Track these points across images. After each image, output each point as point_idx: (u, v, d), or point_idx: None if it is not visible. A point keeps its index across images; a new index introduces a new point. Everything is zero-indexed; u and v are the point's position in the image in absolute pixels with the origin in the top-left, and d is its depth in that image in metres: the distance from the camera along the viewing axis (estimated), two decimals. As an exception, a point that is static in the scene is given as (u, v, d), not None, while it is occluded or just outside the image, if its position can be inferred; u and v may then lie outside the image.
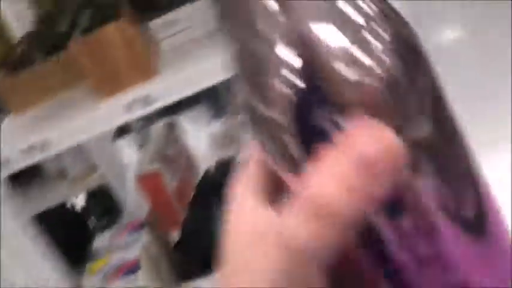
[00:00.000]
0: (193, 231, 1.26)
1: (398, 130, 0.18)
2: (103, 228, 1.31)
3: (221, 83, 1.43)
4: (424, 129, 0.19)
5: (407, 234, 0.19)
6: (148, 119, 1.52)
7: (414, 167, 0.18)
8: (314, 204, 0.18)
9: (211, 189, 1.31)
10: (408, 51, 0.19)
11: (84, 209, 1.50)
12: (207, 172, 1.39)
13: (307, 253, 0.18)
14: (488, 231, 0.20)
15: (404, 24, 0.19)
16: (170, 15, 1.12)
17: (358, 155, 0.17)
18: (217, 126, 1.54)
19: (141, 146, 1.52)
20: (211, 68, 1.08)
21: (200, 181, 1.38)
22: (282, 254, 0.19)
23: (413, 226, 0.19)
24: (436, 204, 0.19)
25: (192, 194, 1.35)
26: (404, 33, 0.19)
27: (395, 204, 0.19)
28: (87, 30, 1.03)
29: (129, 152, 1.58)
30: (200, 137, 1.52)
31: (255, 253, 0.20)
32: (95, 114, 1.06)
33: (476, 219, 0.20)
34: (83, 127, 1.06)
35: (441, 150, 0.19)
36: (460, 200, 0.19)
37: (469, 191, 0.20)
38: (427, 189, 0.19)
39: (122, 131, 1.64)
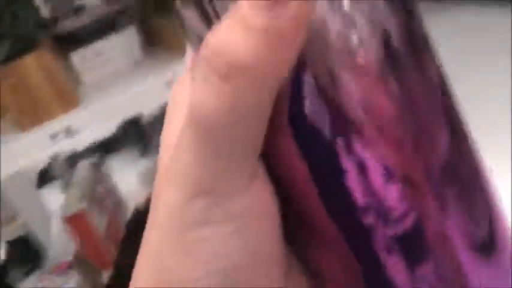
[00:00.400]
0: (126, 269, 1.21)
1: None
2: (24, 275, 1.23)
3: (148, 122, 1.42)
4: (441, 144, 0.16)
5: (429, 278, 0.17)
6: (72, 163, 1.48)
7: (440, 204, 0.16)
8: (212, 59, 0.14)
9: (143, 226, 1.28)
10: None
11: (6, 259, 1.40)
12: (137, 209, 1.35)
13: (221, 123, 0.15)
14: (498, 248, 0.18)
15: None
16: (93, 47, 1.13)
17: None
18: (145, 164, 1.52)
19: (66, 189, 1.47)
20: (133, 99, 1.08)
21: (131, 218, 1.34)
22: (194, 133, 0.15)
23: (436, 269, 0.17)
24: (460, 238, 0.17)
25: (123, 231, 1.31)
26: None
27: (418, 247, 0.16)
28: (6, 60, 1.01)
29: (54, 198, 1.52)
30: (128, 175, 1.49)
31: (179, 144, 0.16)
32: (16, 146, 1.03)
33: (488, 237, 0.18)
34: (4, 160, 1.02)
35: (459, 165, 0.17)
36: (476, 219, 0.17)
37: (482, 206, 0.17)
38: (453, 227, 0.17)
39: (46, 178, 1.58)
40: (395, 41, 0.16)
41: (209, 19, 0.16)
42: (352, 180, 0.16)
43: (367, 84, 0.15)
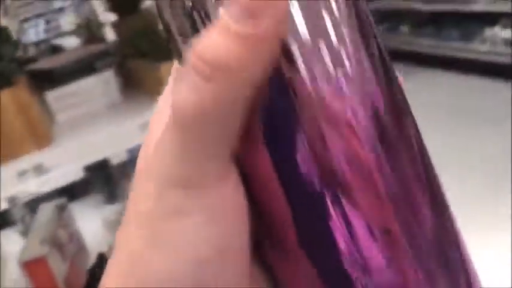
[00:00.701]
0: (86, 319, 1.15)
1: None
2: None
3: (116, 167, 1.39)
4: (426, 219, 0.18)
5: None
6: (33, 207, 1.42)
7: (426, 272, 0.17)
8: (196, 63, 0.16)
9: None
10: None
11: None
12: (101, 256, 1.30)
13: (200, 119, 0.16)
14: None
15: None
16: (69, 87, 1.12)
17: None
18: (111, 211, 1.48)
19: (25, 233, 1.40)
20: (106, 140, 1.07)
21: (94, 265, 1.29)
22: (174, 128, 0.16)
23: None
24: None
25: (86, 278, 1.25)
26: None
27: None
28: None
29: (12, 242, 1.45)
30: (93, 221, 1.45)
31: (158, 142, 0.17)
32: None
33: None
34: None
35: (445, 246, 0.18)
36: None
37: (460, 275, 0.19)
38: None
39: (6, 220, 1.51)
40: (382, 110, 0.17)
41: (196, 28, 0.17)
42: (338, 232, 0.17)
43: (354, 144, 0.17)
